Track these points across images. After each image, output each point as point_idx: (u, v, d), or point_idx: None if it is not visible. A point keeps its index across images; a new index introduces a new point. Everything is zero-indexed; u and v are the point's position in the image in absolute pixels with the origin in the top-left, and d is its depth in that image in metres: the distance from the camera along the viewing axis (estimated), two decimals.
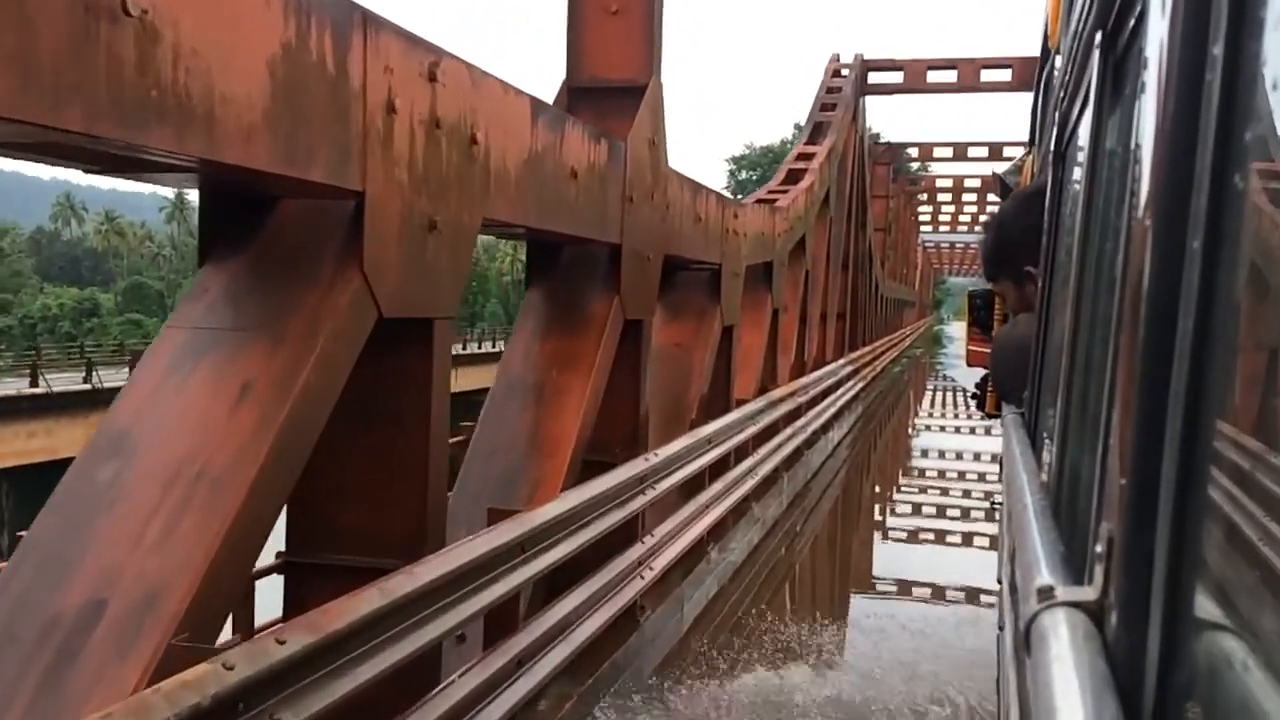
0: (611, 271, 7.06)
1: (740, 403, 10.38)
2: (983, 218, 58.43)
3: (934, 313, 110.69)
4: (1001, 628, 2.16)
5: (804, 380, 13.75)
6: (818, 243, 17.71)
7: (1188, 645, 0.69)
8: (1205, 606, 0.68)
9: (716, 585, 8.85)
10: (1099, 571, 0.89)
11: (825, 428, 16.51)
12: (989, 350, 3.94)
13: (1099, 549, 0.90)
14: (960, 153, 35.64)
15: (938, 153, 36.51)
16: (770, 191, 15.15)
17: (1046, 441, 1.94)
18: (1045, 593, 0.96)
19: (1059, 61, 3.16)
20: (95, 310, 74.66)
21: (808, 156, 17.62)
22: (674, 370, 9.52)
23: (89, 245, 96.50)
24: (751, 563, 9.89)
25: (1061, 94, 2.58)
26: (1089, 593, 0.91)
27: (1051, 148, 2.70)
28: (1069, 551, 1.23)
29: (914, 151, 37.89)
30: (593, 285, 7.06)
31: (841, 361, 19.13)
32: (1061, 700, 0.76)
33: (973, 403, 4.81)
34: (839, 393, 18.08)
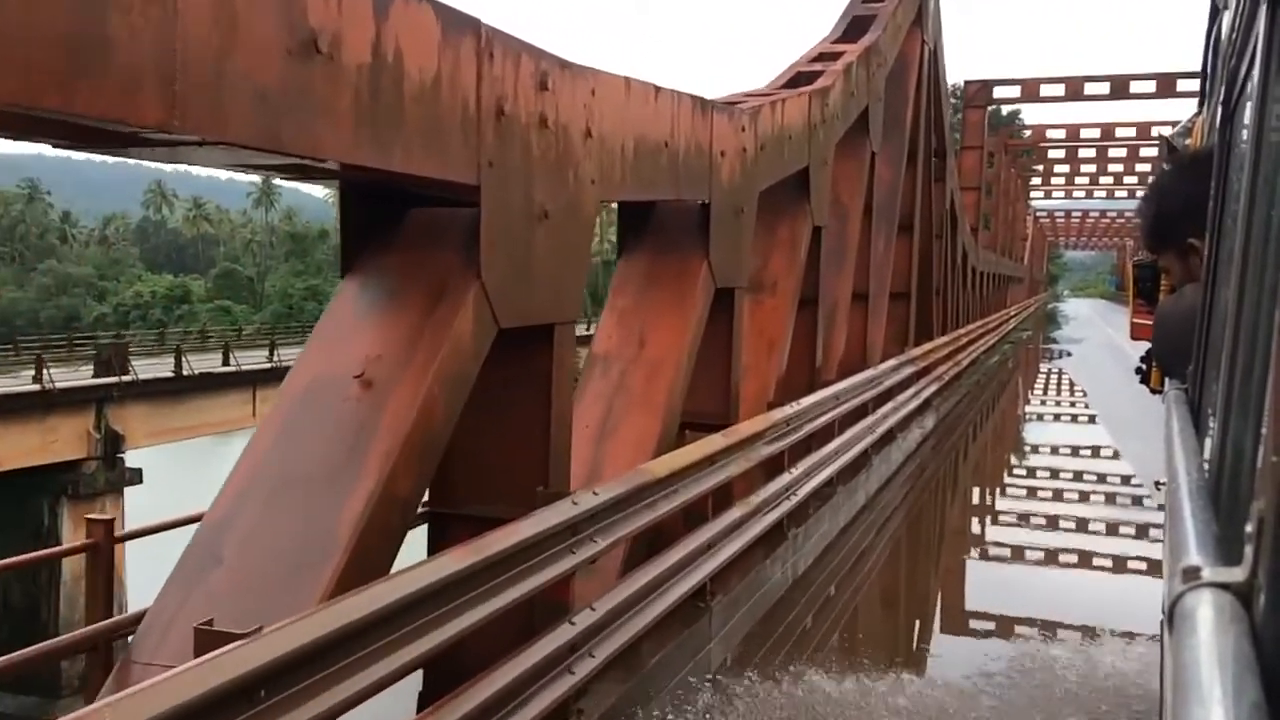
0: None
1: (556, 500, 4.70)
2: (1103, 179, 50.72)
3: (1049, 289, 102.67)
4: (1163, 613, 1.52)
5: (779, 415, 7.88)
6: (846, 185, 11.77)
7: None
8: None
9: None
10: (1249, 552, 0.87)
11: (856, 467, 10.66)
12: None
13: (1249, 528, 0.88)
14: (1074, 89, 28.54)
15: (1045, 90, 29.38)
16: (749, 95, 9.30)
17: (1209, 418, 1.87)
18: (1191, 573, 0.92)
19: (1227, 17, 2.85)
20: (186, 297, 76.95)
21: (831, 57, 11.66)
22: (301, 439, 3.92)
23: (193, 232, 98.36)
24: None
25: (1229, 51, 2.43)
26: (1237, 574, 0.88)
27: (1219, 110, 2.64)
28: (1224, 532, 1.19)
29: (1015, 91, 30.74)
30: None
31: (891, 363, 13.11)
32: (1202, 682, 0.74)
33: (1136, 377, 3.61)
34: (881, 412, 12.13)
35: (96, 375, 27.79)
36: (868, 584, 9.91)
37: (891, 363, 13.15)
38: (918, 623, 9.05)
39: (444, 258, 4.39)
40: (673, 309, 6.87)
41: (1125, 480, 14.94)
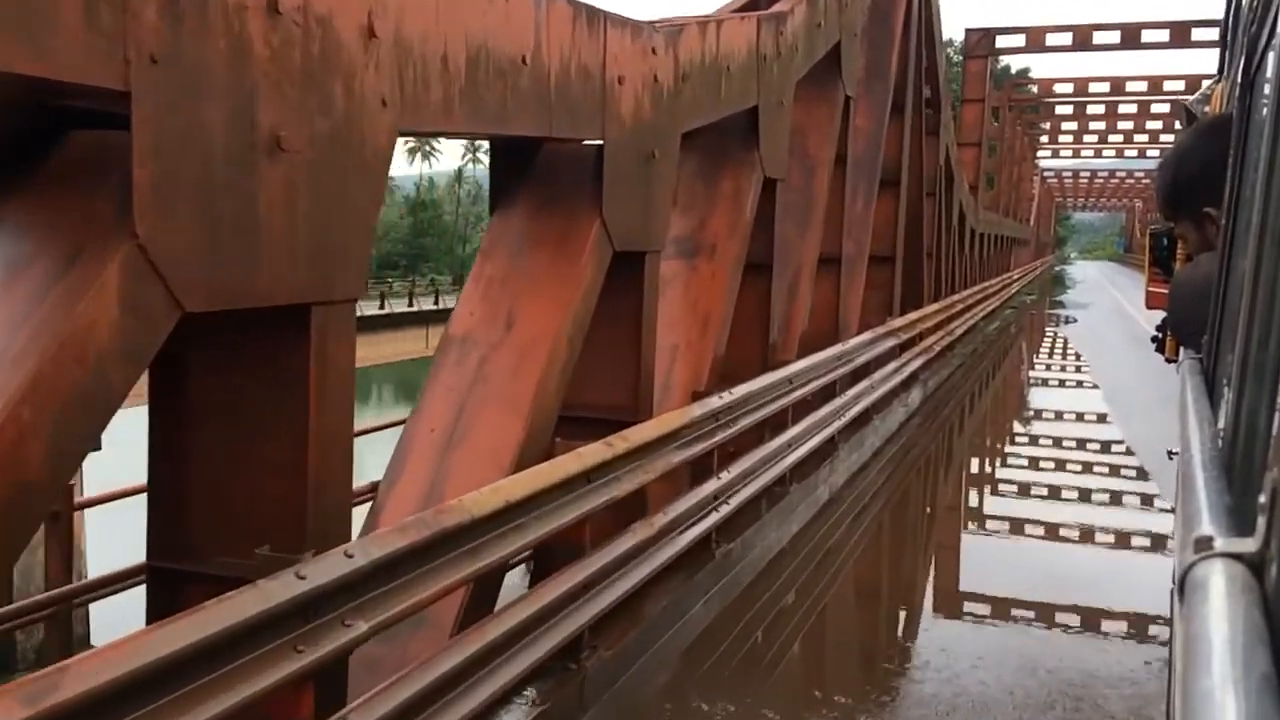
0: None
1: (279, 569, 3.22)
2: (1112, 137, 48.78)
3: (1056, 252, 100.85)
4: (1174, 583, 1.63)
5: (701, 409, 6.34)
6: (813, 133, 10.19)
7: None
8: None
9: None
10: (1262, 522, 0.84)
11: (821, 456, 9.19)
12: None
13: (1263, 499, 0.85)
14: (1083, 38, 26.69)
15: (1052, 40, 27.53)
16: (679, 19, 7.71)
17: (1224, 388, 1.84)
18: (1203, 543, 0.90)
19: None
20: None
21: None
22: None
23: None
24: None
25: (1250, 18, 2.37)
26: (1250, 544, 0.86)
27: (1239, 76, 2.59)
28: (1237, 502, 1.18)
29: (1020, 40, 28.79)
30: None
31: (866, 337, 11.58)
32: (1212, 653, 0.73)
33: (1151, 345, 3.65)
34: (854, 392, 10.63)
35: None
36: (831, 592, 8.44)
37: (867, 336, 11.61)
38: (885, 631, 7.59)
39: (92, 206, 2.88)
40: (553, 279, 5.35)
41: (1129, 452, 13.57)
